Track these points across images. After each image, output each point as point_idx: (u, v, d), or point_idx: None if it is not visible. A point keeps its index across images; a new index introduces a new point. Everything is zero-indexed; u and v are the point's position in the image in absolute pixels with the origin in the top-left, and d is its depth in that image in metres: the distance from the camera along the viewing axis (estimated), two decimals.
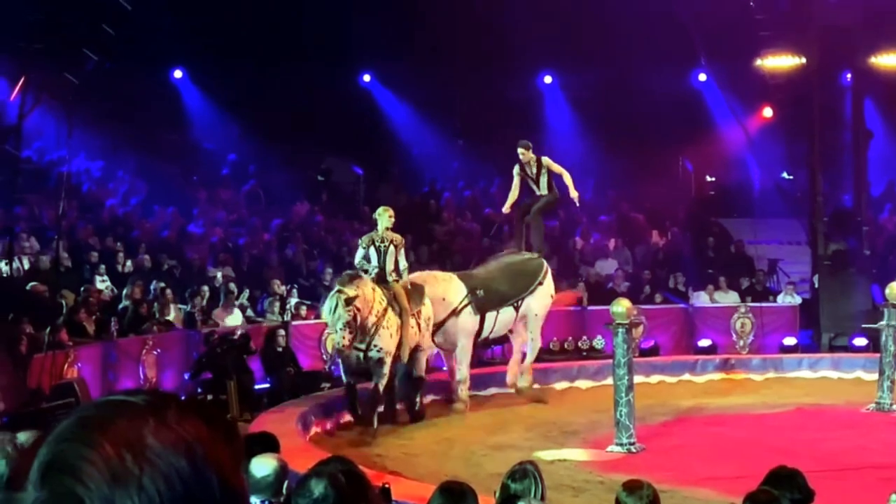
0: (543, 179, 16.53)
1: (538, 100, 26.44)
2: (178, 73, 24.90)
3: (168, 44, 22.96)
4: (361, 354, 14.23)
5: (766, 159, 24.64)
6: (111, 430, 1.48)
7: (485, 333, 16.08)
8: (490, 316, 15.86)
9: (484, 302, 15.74)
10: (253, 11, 22.73)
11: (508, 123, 24.00)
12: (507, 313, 16.12)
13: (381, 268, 14.75)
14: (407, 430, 14.55)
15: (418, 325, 14.89)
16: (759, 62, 22.79)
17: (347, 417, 14.83)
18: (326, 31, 23.11)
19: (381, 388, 14.41)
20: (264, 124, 23.48)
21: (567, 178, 16.62)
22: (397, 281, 14.80)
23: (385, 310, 14.34)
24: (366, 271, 14.67)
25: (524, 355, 16.56)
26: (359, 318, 13.90)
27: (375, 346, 14.25)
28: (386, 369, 14.43)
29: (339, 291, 13.87)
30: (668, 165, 26.23)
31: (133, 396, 1.55)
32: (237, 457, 1.58)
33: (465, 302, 15.61)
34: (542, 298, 16.52)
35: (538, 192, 16.69)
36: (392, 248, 14.82)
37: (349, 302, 13.74)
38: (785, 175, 23.93)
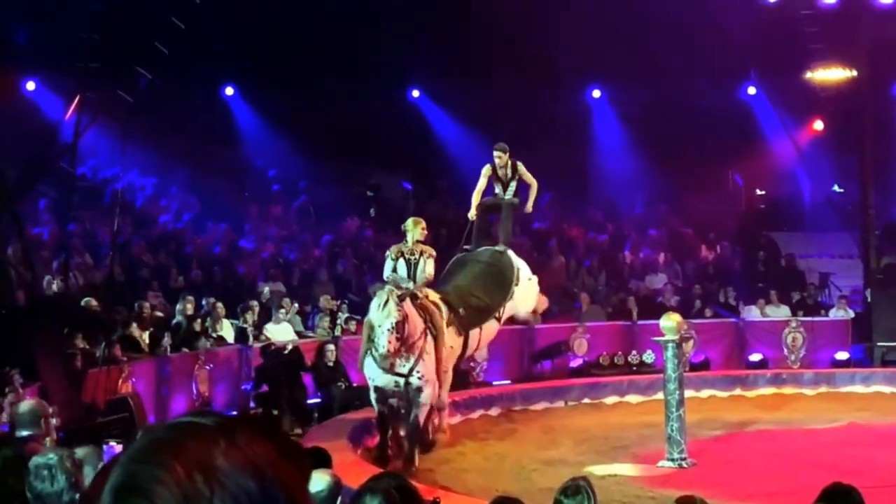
0: (513, 185, 15.63)
1: (587, 114, 26.42)
2: (229, 90, 25.13)
3: (219, 61, 23.23)
4: (402, 381, 13.24)
5: (816, 172, 24.51)
6: (182, 451, 1.51)
7: (469, 352, 15.13)
8: (473, 333, 14.56)
9: (467, 321, 14.39)
10: (302, 29, 22.91)
11: (557, 138, 24.03)
12: (490, 327, 14.96)
13: (412, 281, 13.84)
14: (456, 445, 14.54)
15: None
16: (809, 75, 22.72)
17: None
18: (376, 47, 23.23)
19: (420, 419, 13.42)
20: (314, 140, 23.65)
21: (533, 190, 15.84)
22: (426, 297, 13.80)
23: (425, 332, 13.38)
24: (398, 286, 13.47)
25: None
26: (406, 330, 13.01)
27: (418, 371, 13.23)
28: (426, 398, 13.40)
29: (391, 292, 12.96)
30: (717, 179, 26.12)
31: (203, 418, 1.58)
32: (304, 479, 1.62)
33: (448, 323, 14.06)
34: (526, 296, 15.61)
35: (503, 196, 15.71)
36: (422, 260, 13.97)
37: (402, 299, 12.97)
38: (836, 188, 23.79)
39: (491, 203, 15.71)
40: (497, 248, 15.42)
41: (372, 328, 13.20)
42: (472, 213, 15.50)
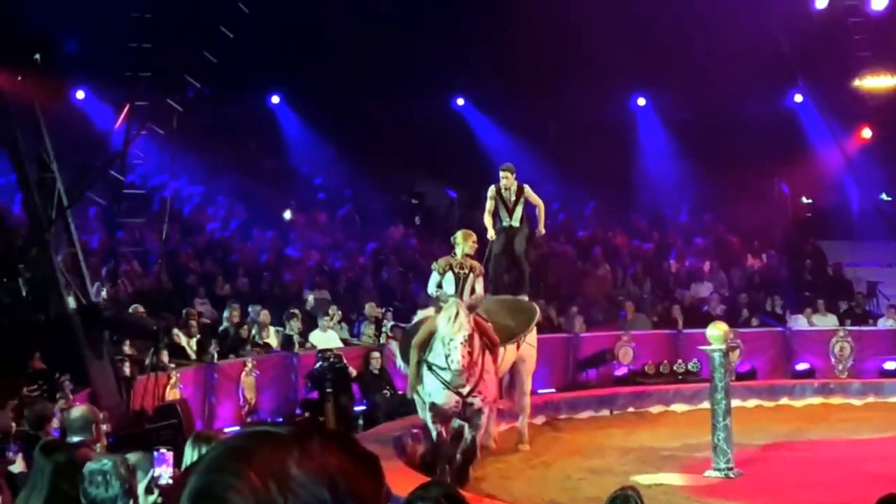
0: (519, 209, 14.99)
1: (632, 122, 26.35)
2: (275, 99, 25.28)
3: (266, 69, 23.38)
4: (460, 400, 12.64)
5: (864, 180, 24.34)
6: (257, 460, 1.55)
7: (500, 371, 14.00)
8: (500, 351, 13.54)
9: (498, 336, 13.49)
10: (347, 37, 23.02)
11: (602, 146, 24.00)
12: (510, 352, 13.96)
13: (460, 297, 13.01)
14: (502, 454, 14.53)
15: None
16: (857, 82, 22.57)
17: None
18: (420, 55, 23.30)
19: (478, 440, 12.99)
20: (359, 149, 23.76)
21: (541, 211, 15.30)
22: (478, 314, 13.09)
23: (483, 348, 12.76)
24: (439, 300, 13.00)
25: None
26: (476, 346, 12.42)
27: (479, 392, 12.65)
28: (484, 419, 12.99)
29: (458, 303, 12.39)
30: (764, 187, 25.95)
31: (278, 427, 1.63)
32: (378, 490, 1.64)
33: None
34: (533, 344, 14.81)
35: (508, 222, 15.02)
36: (472, 276, 13.23)
37: (472, 309, 12.52)
38: (884, 196, 23.62)
39: (504, 244, 15.04)
40: (521, 297, 15.03)
41: (423, 343, 12.67)
42: (490, 234, 14.83)
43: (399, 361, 14.25)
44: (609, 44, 22.16)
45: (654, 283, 22.46)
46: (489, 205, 15.00)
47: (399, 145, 24.30)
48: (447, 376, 12.43)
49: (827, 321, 20.44)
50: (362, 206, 24.39)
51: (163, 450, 6.26)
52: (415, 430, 14.05)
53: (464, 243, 13.45)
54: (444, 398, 12.63)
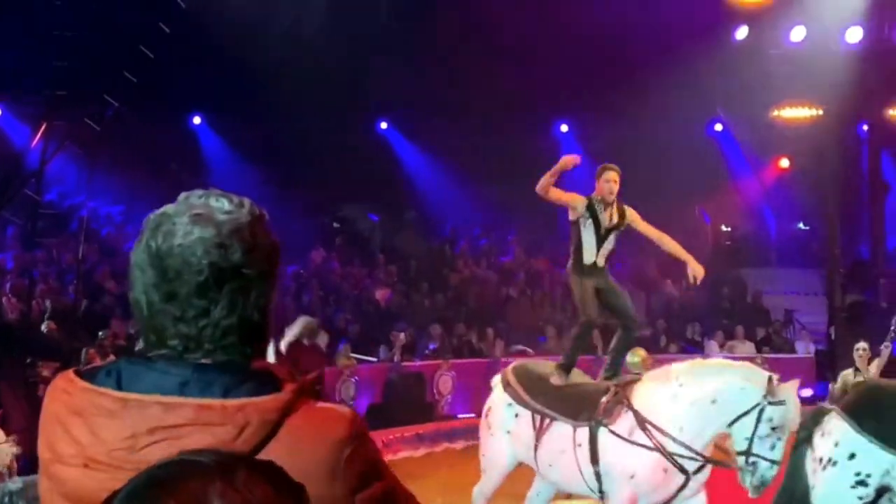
0: (612, 239, 10.07)
1: (554, 148, 26.48)
2: (196, 120, 25.07)
3: (187, 90, 23.16)
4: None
5: (782, 209, 24.67)
6: (179, 491, 1.52)
7: None
8: None
9: None
10: (269, 58, 22.89)
11: (525, 171, 24.01)
12: None
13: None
14: (419, 479, 14.45)
15: None
16: (775, 113, 22.88)
17: None
18: (345, 78, 23.24)
19: None
20: (282, 171, 23.60)
21: (677, 248, 10.52)
22: None
23: None
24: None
25: None
26: None
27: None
28: None
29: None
30: (684, 215, 26.16)
31: (202, 457, 1.59)
32: None
33: None
34: None
35: (593, 258, 10.02)
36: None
37: None
38: (801, 226, 23.95)
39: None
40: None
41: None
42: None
43: None
44: (536, 71, 22.28)
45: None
46: (578, 231, 10.05)
47: (322, 168, 24.18)
48: None
49: (745, 348, 20.67)
50: (283, 228, 24.11)
51: None
52: None
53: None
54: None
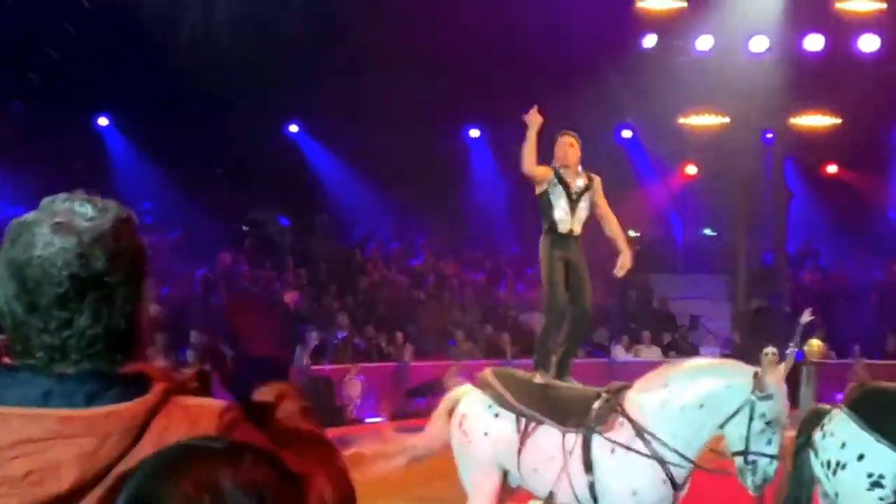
0: (584, 206, 9.87)
1: (465, 153, 26.57)
2: (103, 121, 24.72)
3: (93, 92, 22.80)
4: None
5: (688, 216, 24.97)
6: (191, 471, 1.70)
7: None
8: None
9: None
10: (179, 59, 22.64)
11: (435, 176, 24.10)
12: None
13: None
14: None
15: None
16: (683, 120, 23.16)
17: None
18: (254, 80, 23.07)
19: None
20: (190, 173, 23.36)
21: (617, 233, 10.30)
22: None
23: None
24: None
25: None
26: None
27: None
28: None
29: None
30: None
31: (213, 442, 1.78)
32: (300, 501, 1.84)
33: None
34: None
35: (568, 225, 9.83)
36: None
37: None
38: (707, 232, 24.26)
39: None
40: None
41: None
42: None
43: None
44: (444, 75, 22.30)
45: (485, 313, 22.63)
46: (546, 197, 9.87)
47: (231, 171, 23.98)
48: None
49: (651, 353, 20.89)
50: (192, 231, 23.97)
51: None
52: None
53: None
54: None
